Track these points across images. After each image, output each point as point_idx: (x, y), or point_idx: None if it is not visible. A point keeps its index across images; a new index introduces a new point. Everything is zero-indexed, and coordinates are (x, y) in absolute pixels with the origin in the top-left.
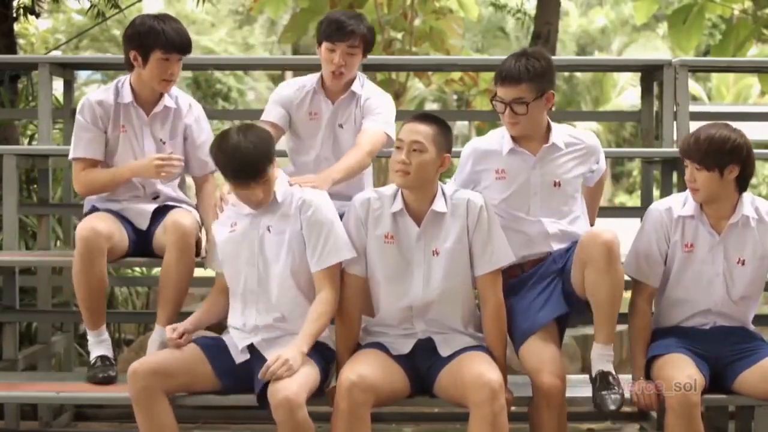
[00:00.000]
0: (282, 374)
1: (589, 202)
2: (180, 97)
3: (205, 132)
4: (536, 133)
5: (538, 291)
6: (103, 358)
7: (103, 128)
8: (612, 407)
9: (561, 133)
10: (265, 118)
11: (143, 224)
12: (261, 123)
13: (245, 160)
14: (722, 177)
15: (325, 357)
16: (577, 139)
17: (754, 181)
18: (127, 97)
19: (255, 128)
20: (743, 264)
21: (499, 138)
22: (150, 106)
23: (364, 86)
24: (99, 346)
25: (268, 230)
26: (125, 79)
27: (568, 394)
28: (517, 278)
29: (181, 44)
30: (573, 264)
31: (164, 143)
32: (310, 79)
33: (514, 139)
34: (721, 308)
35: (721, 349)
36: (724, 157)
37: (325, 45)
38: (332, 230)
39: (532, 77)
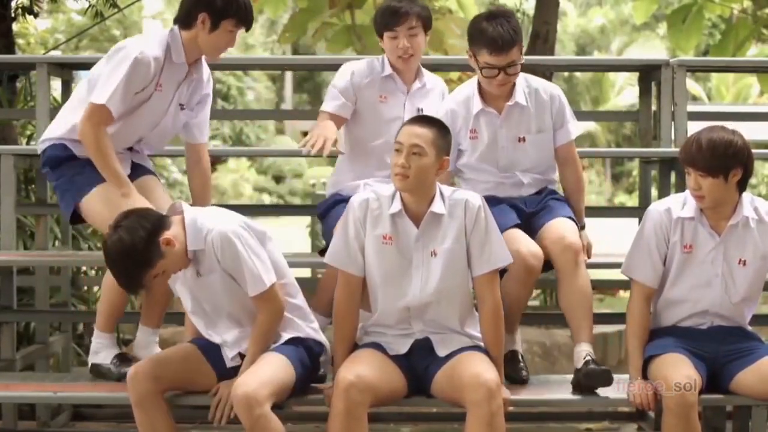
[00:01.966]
0: (227, 412)
1: (570, 187)
2: (205, 67)
3: (211, 98)
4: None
5: (497, 207)
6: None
7: (144, 85)
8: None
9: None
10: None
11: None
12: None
13: (122, 279)
14: (727, 182)
15: (310, 353)
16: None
17: (753, 181)
18: (180, 57)
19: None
20: (744, 264)
21: (467, 101)
22: (187, 69)
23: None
24: (114, 347)
25: (198, 274)
26: (176, 36)
27: (566, 395)
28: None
29: (250, 21)
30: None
31: (183, 109)
32: (377, 63)
33: (482, 98)
34: (719, 309)
35: (718, 349)
36: (728, 161)
37: (386, 35)
38: (246, 263)
39: (520, 38)
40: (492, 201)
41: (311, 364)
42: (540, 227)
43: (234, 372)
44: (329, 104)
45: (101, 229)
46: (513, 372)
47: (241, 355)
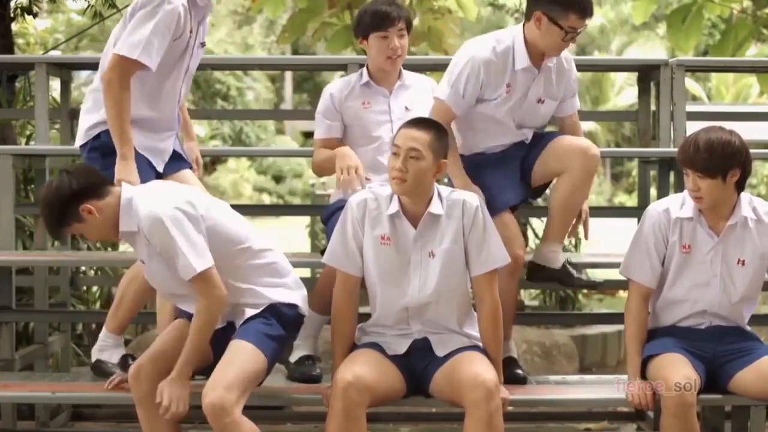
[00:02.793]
0: (176, 411)
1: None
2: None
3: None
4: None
5: (503, 173)
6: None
7: (180, 32)
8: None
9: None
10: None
11: (160, 165)
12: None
13: (43, 221)
14: (725, 182)
15: (282, 320)
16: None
17: (753, 180)
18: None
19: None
20: (743, 264)
21: (505, 54)
22: (208, 8)
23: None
24: (120, 347)
25: (142, 262)
26: None
27: (566, 395)
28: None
29: None
30: (541, 162)
31: (203, 46)
32: (355, 77)
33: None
34: (717, 310)
35: (716, 349)
36: (726, 162)
37: (375, 35)
38: (177, 247)
39: None
40: (498, 158)
41: (286, 332)
42: (534, 161)
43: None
44: (318, 132)
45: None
46: (511, 376)
47: (230, 324)
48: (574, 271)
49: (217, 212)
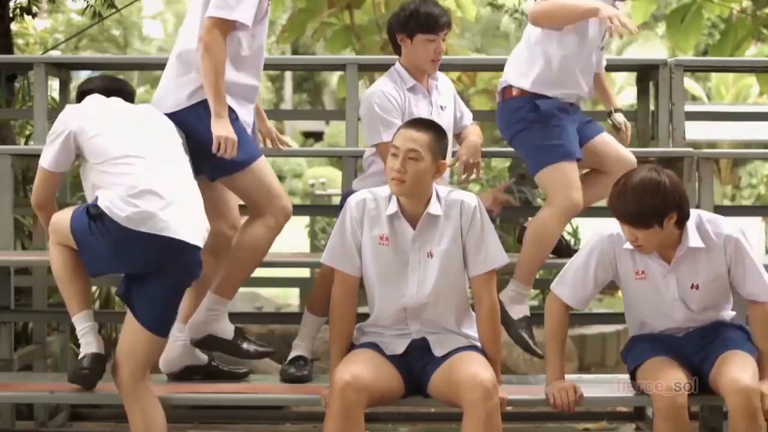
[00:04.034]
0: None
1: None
2: None
3: None
4: None
5: (572, 126)
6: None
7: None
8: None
9: None
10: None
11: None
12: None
13: None
14: (663, 228)
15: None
16: None
17: (753, 180)
18: None
19: None
20: (697, 288)
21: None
22: None
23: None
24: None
25: None
26: None
27: None
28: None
29: None
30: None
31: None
32: (396, 77)
33: None
34: (690, 323)
35: (697, 352)
36: (659, 210)
37: (421, 37)
38: None
39: None
40: (567, 109)
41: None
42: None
43: None
44: (386, 135)
45: (255, 199)
46: (529, 345)
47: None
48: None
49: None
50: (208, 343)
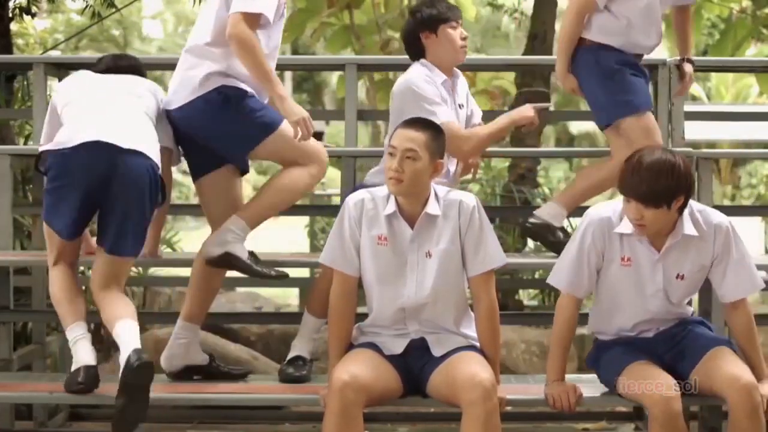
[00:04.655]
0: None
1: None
2: None
3: None
4: None
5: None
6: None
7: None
8: None
9: None
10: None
11: None
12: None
13: None
14: (669, 209)
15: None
16: None
17: (753, 180)
18: None
19: None
20: (682, 278)
21: None
22: None
23: None
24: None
25: None
26: None
27: None
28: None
29: None
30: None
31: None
32: (426, 70)
33: None
34: (664, 315)
35: (669, 350)
36: (671, 189)
37: (446, 26)
38: None
39: None
40: (638, 67)
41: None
42: None
43: None
44: (447, 113)
45: (291, 158)
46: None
47: None
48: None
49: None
50: (225, 261)
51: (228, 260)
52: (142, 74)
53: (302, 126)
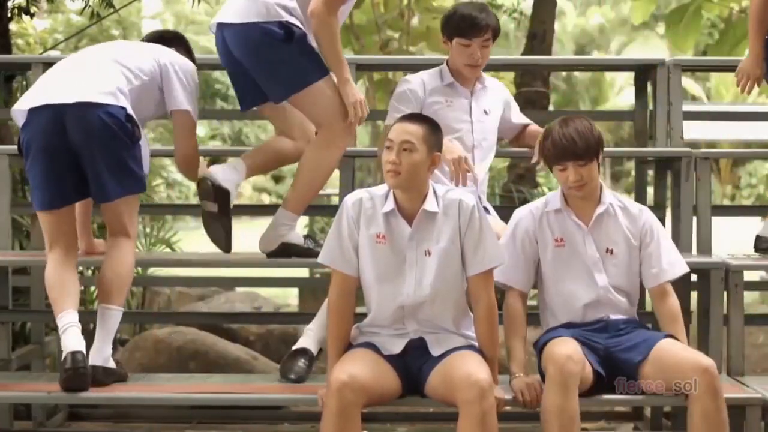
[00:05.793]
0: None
1: None
2: None
3: None
4: None
5: None
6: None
7: None
8: None
9: None
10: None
11: None
12: None
13: None
14: (598, 162)
15: None
16: None
17: (753, 180)
18: None
19: None
20: (612, 253)
21: None
22: None
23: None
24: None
25: None
26: None
27: None
28: None
29: None
30: None
31: None
32: (437, 72)
33: None
34: (610, 297)
35: (608, 341)
36: (596, 144)
37: (458, 41)
38: None
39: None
40: None
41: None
42: None
43: None
44: (392, 119)
45: (319, 118)
46: None
47: None
48: None
49: None
50: (285, 251)
51: (287, 250)
52: (173, 46)
53: (357, 107)
